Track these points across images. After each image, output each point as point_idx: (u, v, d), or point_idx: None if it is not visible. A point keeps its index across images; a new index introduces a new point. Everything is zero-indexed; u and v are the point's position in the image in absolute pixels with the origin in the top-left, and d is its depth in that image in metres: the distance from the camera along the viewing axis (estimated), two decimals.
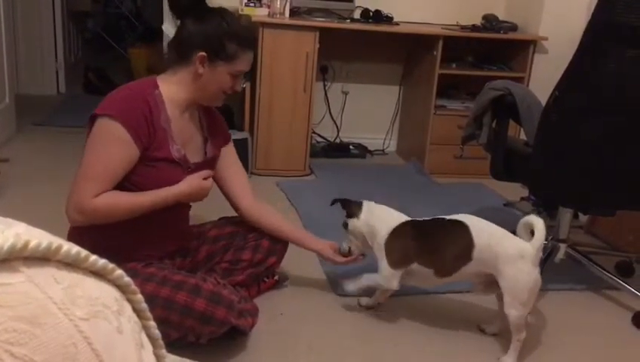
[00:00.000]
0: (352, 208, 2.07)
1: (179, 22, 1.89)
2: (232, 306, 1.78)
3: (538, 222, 1.90)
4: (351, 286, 2.11)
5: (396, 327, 2.10)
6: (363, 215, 2.05)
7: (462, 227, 1.94)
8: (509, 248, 1.89)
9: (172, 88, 1.84)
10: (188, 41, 1.84)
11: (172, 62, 1.88)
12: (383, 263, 1.99)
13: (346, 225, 2.08)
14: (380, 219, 2.04)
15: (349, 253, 2.11)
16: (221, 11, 1.90)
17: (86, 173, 1.72)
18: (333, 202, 2.16)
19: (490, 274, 1.94)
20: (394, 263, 1.98)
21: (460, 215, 2.00)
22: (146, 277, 1.79)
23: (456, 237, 1.95)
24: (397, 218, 2.04)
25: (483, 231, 1.94)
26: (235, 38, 1.84)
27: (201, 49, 1.81)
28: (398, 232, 1.99)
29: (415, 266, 1.98)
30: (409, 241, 1.98)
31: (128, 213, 1.77)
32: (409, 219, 2.05)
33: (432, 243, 1.98)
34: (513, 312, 1.89)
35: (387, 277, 1.99)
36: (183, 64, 1.85)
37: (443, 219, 2.01)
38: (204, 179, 1.89)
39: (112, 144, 1.72)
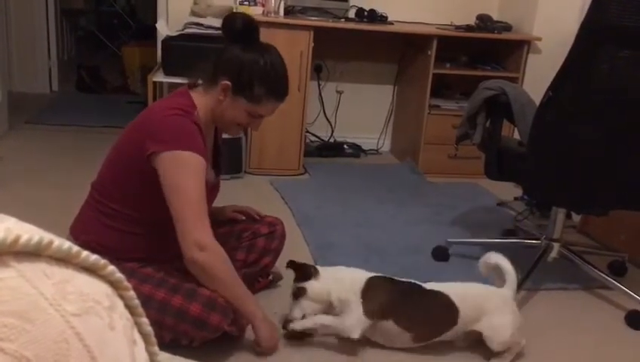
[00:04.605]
0: (306, 270, 1.94)
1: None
2: (227, 313, 1.77)
3: (506, 265, 1.99)
4: (297, 312, 1.93)
5: None
6: (322, 274, 1.93)
7: (443, 295, 1.93)
8: (494, 300, 1.96)
9: (201, 107, 1.82)
10: (223, 65, 1.82)
11: (204, 77, 1.86)
12: (357, 310, 1.87)
13: (301, 291, 1.93)
14: (349, 271, 1.98)
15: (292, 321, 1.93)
16: (267, 49, 1.85)
17: (192, 209, 1.71)
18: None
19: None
20: (369, 312, 1.88)
21: (437, 284, 1.98)
22: (143, 278, 1.78)
23: (438, 304, 1.93)
24: (365, 272, 1.97)
25: (465, 295, 1.96)
26: (266, 82, 1.80)
27: (229, 78, 1.79)
28: (375, 283, 1.92)
29: (388, 323, 1.91)
30: (386, 295, 1.91)
31: (226, 279, 1.78)
32: (375, 274, 1.96)
33: (412, 306, 1.92)
34: (501, 347, 1.94)
35: (354, 325, 1.87)
36: (212, 84, 1.83)
37: (421, 286, 1.96)
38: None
39: (198, 174, 1.72)
